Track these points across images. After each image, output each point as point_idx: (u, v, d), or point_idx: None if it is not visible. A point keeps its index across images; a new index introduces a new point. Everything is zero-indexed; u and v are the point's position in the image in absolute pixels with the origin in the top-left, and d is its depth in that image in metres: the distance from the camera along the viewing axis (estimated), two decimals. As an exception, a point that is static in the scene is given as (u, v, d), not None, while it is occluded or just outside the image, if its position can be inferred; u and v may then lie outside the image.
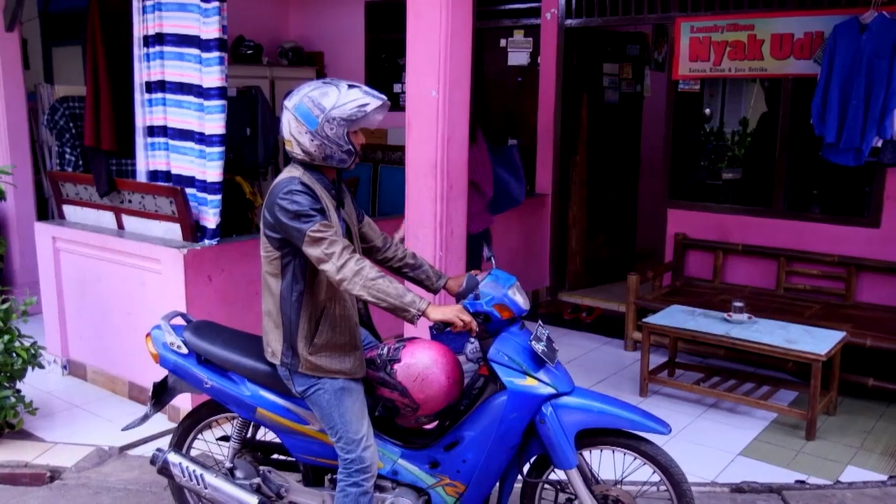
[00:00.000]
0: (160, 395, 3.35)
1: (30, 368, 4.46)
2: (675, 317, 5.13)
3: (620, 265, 7.79)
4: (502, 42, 7.54)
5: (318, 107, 2.73)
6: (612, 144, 7.67)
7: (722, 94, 7.78)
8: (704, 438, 4.56)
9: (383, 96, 2.82)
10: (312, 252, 2.69)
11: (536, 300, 7.32)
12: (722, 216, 6.33)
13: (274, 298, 2.87)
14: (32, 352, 4.44)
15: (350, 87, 2.78)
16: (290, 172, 2.83)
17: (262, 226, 2.84)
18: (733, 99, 7.82)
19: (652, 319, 5.14)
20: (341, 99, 2.73)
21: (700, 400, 5.09)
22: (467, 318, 2.77)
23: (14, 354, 4.34)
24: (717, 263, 6.28)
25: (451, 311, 2.76)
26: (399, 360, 2.93)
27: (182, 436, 3.40)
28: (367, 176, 7.67)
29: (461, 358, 3.05)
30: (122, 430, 3.51)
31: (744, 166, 6.97)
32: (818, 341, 4.63)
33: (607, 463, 3.11)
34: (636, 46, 7.72)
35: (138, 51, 4.76)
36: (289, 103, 2.80)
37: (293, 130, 2.79)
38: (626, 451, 2.97)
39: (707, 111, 7.60)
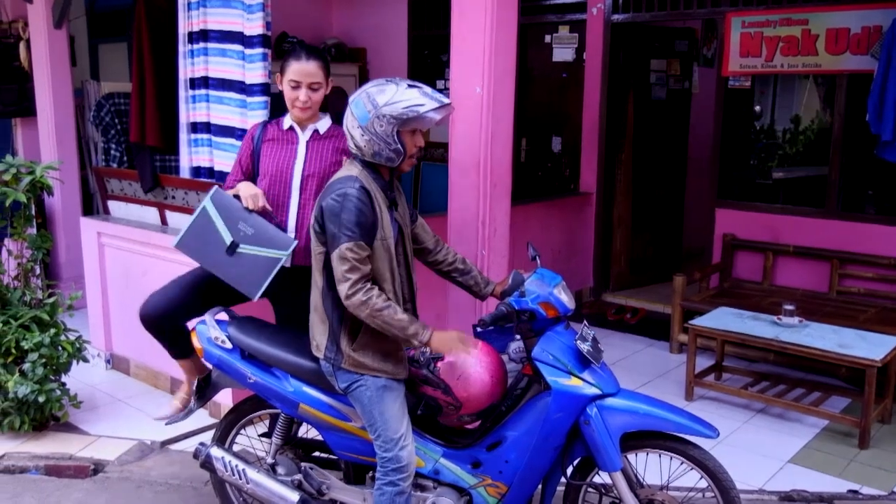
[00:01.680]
0: (204, 390, 3.38)
1: (74, 362, 4.51)
2: (723, 319, 5.01)
3: (666, 266, 7.66)
4: (547, 38, 7.46)
5: (372, 102, 2.74)
6: (659, 142, 7.54)
7: (773, 90, 7.59)
8: (752, 445, 4.44)
9: (444, 99, 2.78)
10: (336, 266, 2.71)
11: (580, 300, 7.23)
12: (772, 216, 6.18)
13: (319, 293, 2.88)
14: (77, 346, 4.50)
15: (410, 86, 2.76)
16: (349, 170, 2.83)
17: (312, 219, 2.85)
18: (785, 96, 7.63)
19: (699, 321, 5.03)
20: (395, 97, 2.72)
21: (748, 405, 4.97)
22: (470, 341, 2.81)
23: (60, 348, 4.39)
24: (767, 265, 6.13)
25: (451, 339, 2.77)
26: (442, 358, 2.91)
27: (225, 431, 3.42)
28: (408, 173, 7.63)
29: (504, 357, 3.01)
30: (166, 424, 3.53)
31: (795, 165, 6.81)
32: (873, 346, 4.49)
33: (653, 467, 3.03)
34: (685, 42, 7.58)
35: (183, 47, 4.77)
36: (350, 98, 2.83)
37: (348, 124, 2.82)
38: (672, 454, 2.89)
39: (757, 108, 7.42)
